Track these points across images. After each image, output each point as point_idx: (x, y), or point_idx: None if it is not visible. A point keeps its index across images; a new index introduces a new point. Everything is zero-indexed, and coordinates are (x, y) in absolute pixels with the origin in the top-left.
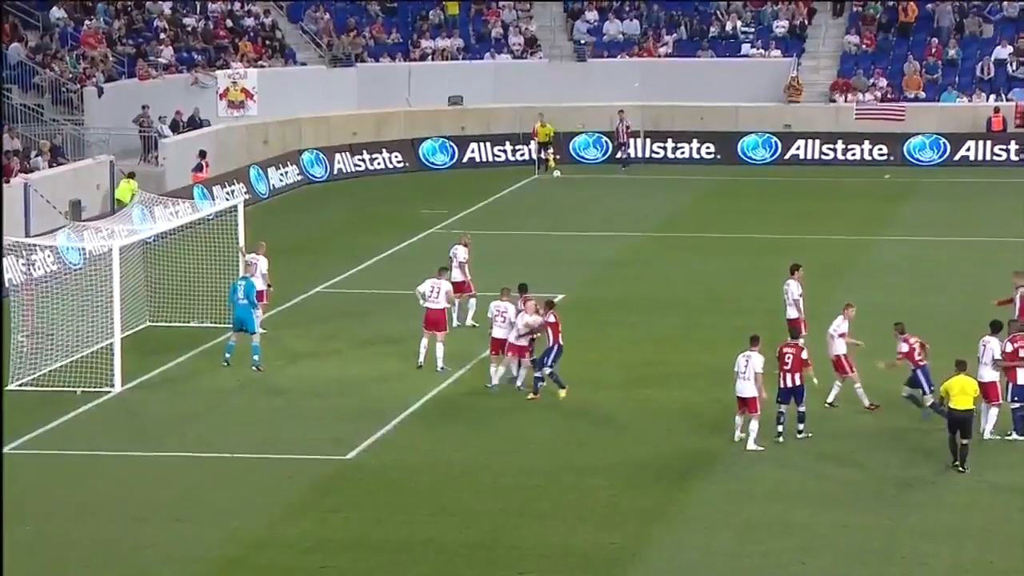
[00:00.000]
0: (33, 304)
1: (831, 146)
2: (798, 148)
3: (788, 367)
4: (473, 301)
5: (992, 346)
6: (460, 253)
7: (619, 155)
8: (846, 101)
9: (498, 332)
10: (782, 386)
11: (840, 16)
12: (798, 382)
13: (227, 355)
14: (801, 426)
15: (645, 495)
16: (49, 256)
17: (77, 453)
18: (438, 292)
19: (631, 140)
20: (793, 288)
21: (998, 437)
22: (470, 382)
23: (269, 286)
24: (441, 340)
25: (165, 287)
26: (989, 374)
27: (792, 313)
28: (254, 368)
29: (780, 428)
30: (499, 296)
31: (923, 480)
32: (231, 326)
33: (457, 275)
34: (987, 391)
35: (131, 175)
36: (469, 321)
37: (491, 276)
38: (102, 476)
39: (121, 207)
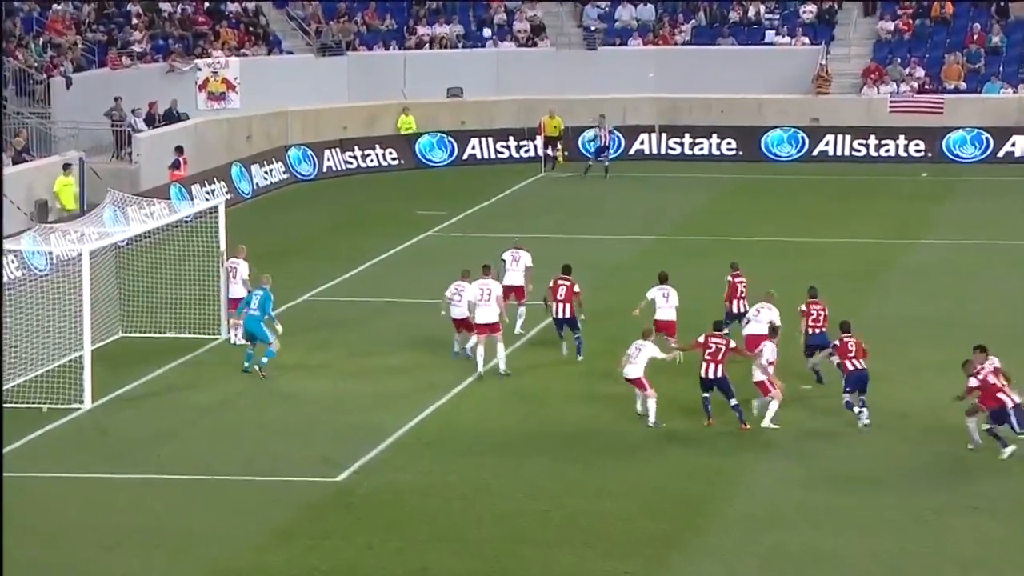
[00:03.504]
0: None
1: (863, 142)
2: (827, 144)
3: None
4: (523, 309)
5: None
6: (526, 258)
7: (597, 160)
8: (879, 93)
9: (456, 312)
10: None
11: (872, 15)
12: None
13: (246, 364)
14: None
15: (660, 519)
16: (13, 262)
17: (43, 475)
18: (488, 295)
19: (612, 143)
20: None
21: None
22: (468, 399)
23: (250, 293)
24: (501, 340)
25: (139, 295)
26: None
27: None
28: (258, 367)
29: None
30: (460, 277)
31: (958, 507)
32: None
33: (517, 279)
34: None
35: (67, 167)
36: (518, 329)
37: None
38: (70, 499)
39: (67, 212)
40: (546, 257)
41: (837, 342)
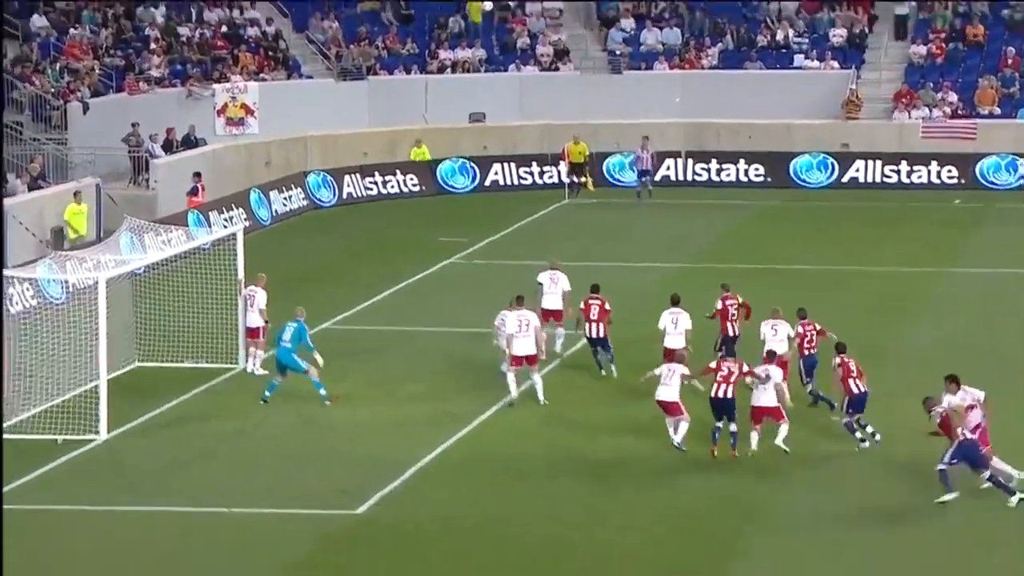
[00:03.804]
0: (10, 343)
1: (894, 168)
2: (857, 170)
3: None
4: (561, 330)
5: None
6: (564, 280)
7: (639, 187)
8: (911, 118)
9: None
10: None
11: (903, 39)
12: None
13: (267, 394)
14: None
15: (688, 550)
16: (28, 290)
17: (57, 508)
18: (527, 326)
19: (654, 167)
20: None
21: None
22: (492, 428)
23: (267, 322)
24: (537, 371)
25: (156, 323)
26: None
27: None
28: (326, 403)
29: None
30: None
31: (981, 540)
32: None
33: (556, 303)
34: None
35: (77, 195)
36: (558, 348)
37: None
38: (84, 532)
39: (78, 237)
40: (571, 284)
41: (838, 362)
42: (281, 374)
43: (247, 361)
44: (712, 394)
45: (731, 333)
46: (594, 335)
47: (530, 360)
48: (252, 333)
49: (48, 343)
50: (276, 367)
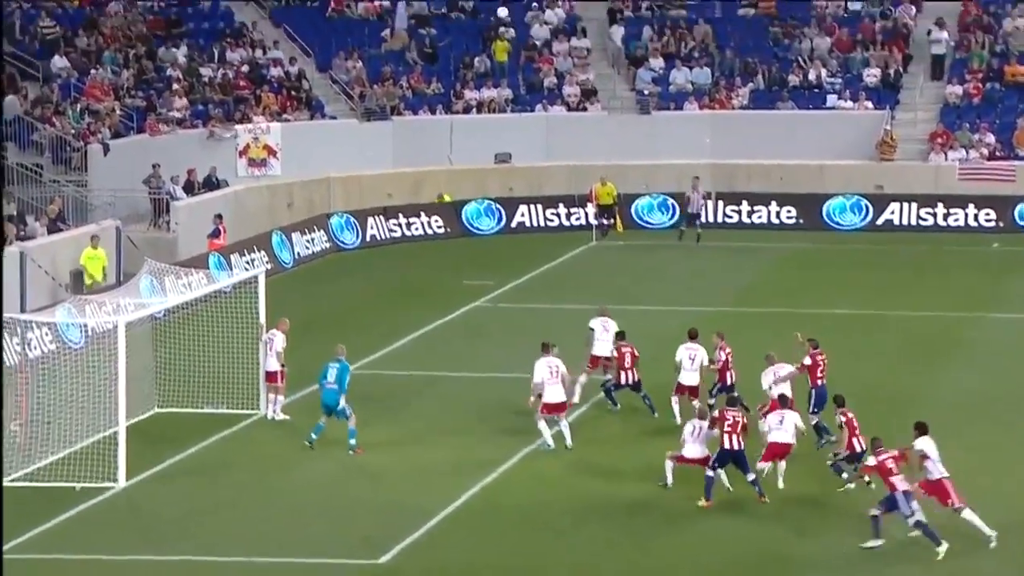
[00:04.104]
0: (28, 388)
1: (930, 210)
2: (892, 212)
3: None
4: (584, 377)
5: None
6: (614, 326)
7: (684, 226)
8: (947, 159)
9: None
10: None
11: (939, 79)
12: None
13: (313, 436)
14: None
15: None
16: (47, 334)
17: (75, 557)
18: (557, 372)
19: (704, 208)
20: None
21: None
22: (517, 475)
23: (283, 366)
24: (565, 416)
25: (176, 368)
26: None
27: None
28: (351, 452)
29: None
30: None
31: None
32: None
33: (607, 349)
34: None
35: (94, 239)
36: (576, 398)
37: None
38: None
39: (94, 283)
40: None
41: (843, 420)
42: (327, 415)
43: (267, 407)
44: (722, 445)
45: (729, 381)
46: (629, 381)
47: (560, 408)
48: (270, 377)
49: (67, 388)
50: (322, 409)
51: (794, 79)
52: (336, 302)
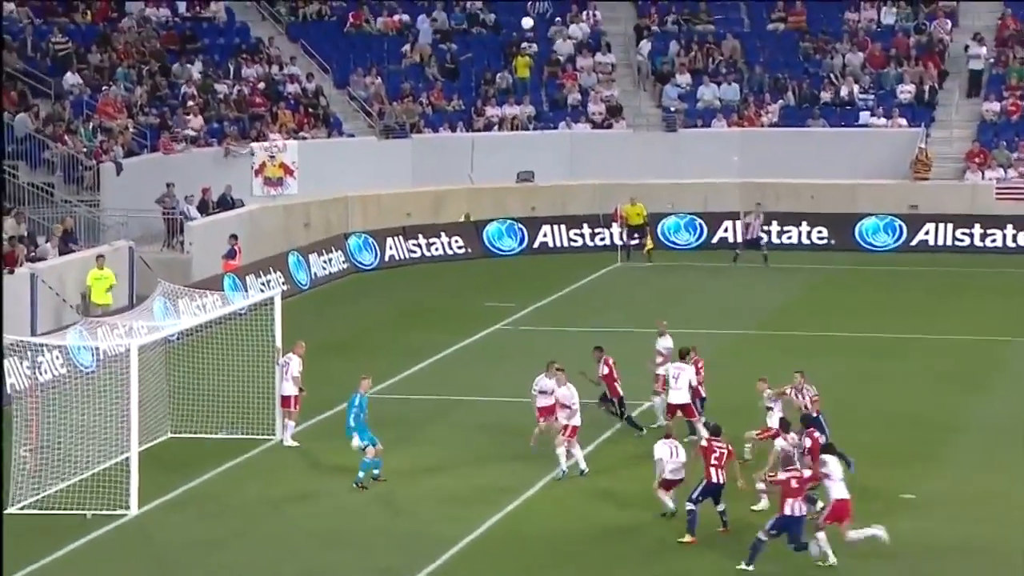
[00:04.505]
0: (38, 413)
1: (966, 231)
2: (927, 233)
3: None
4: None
5: None
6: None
7: (741, 250)
8: (984, 178)
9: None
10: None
11: (976, 96)
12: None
13: (360, 474)
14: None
15: None
16: (58, 358)
17: None
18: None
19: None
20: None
21: None
22: (542, 502)
23: (301, 390)
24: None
25: (190, 392)
26: None
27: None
28: (355, 484)
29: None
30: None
31: None
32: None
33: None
34: None
35: (100, 259)
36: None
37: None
38: None
39: (99, 306)
40: (623, 352)
41: (810, 444)
42: (362, 449)
43: (283, 433)
44: (709, 479)
45: (702, 395)
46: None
47: (574, 431)
48: (285, 402)
49: (78, 413)
50: (359, 443)
51: (825, 96)
52: (354, 324)
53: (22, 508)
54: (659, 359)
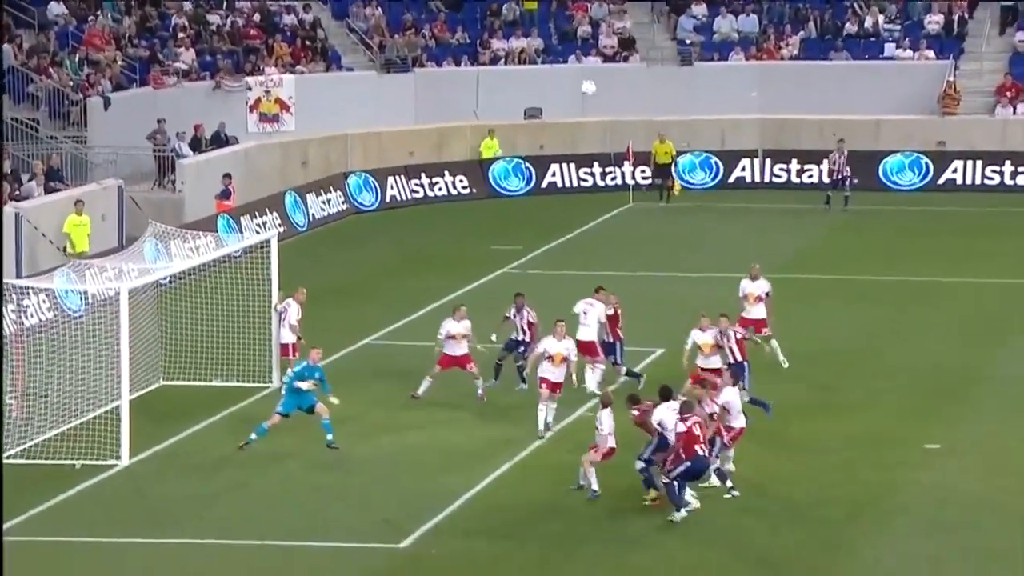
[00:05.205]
0: (24, 359)
1: (996, 168)
2: (954, 171)
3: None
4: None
5: None
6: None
7: (831, 191)
8: (1015, 113)
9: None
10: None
11: (1009, 27)
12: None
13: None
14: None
15: None
16: (44, 301)
17: (74, 540)
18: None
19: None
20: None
21: None
22: (547, 456)
23: (299, 338)
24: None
25: (183, 338)
26: None
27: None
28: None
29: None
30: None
31: None
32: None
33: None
34: None
35: (78, 204)
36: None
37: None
38: (105, 567)
39: (77, 254)
40: (634, 297)
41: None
42: (309, 413)
43: (280, 380)
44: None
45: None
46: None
47: (557, 387)
48: (284, 350)
49: (66, 359)
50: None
51: (849, 27)
52: (353, 268)
53: (8, 457)
54: (756, 304)
